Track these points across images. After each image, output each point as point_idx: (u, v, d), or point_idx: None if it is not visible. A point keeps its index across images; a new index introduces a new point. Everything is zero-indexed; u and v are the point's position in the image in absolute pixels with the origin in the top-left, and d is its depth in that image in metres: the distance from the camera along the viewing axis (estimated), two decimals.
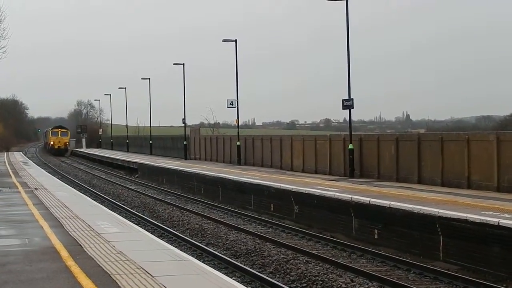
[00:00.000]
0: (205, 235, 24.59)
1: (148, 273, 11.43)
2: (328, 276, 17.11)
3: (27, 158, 74.70)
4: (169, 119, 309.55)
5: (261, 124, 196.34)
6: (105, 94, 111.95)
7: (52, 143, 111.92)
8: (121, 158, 70.45)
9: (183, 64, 64.14)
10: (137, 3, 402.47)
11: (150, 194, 40.55)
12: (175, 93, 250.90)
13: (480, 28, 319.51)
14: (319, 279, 16.92)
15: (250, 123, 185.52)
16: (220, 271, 14.25)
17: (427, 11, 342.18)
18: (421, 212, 20.03)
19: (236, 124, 52.56)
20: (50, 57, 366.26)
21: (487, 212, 18.67)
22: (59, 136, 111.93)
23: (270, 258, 19.59)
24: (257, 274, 17.11)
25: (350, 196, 24.28)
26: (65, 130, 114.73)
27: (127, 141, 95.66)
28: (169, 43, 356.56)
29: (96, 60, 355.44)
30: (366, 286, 16.30)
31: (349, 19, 34.61)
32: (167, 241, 19.31)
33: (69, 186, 34.28)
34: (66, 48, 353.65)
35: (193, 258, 13.88)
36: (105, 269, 11.81)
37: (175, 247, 17.01)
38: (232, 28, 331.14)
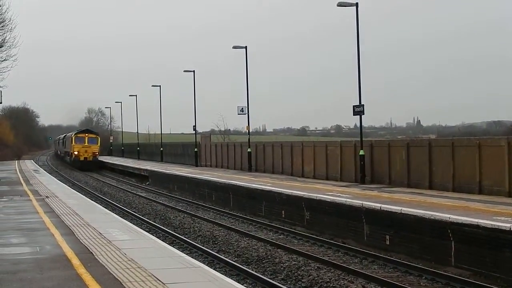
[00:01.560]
0: (216, 242, 24.58)
1: (159, 281, 11.43)
2: (339, 283, 17.08)
3: (38, 166, 74.92)
4: (180, 126, 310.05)
5: (272, 130, 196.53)
6: (115, 102, 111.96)
7: (76, 153, 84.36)
8: (132, 165, 70.55)
9: (194, 71, 64.29)
10: (143, 6, 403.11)
11: (161, 201, 40.58)
12: (186, 100, 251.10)
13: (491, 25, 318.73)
14: (331, 285, 16.89)
15: (261, 130, 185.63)
16: (231, 278, 14.25)
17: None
18: (432, 217, 19.97)
19: (247, 131, 52.60)
20: (61, 64, 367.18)
21: (498, 218, 18.60)
22: (86, 144, 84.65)
23: (282, 264, 19.56)
24: (268, 281, 17.08)
25: (361, 202, 24.23)
26: (94, 136, 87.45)
27: (138, 148, 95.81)
28: (179, 49, 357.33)
29: (107, 66, 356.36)
30: None
31: (359, 26, 34.61)
32: (178, 248, 19.33)
33: (80, 194, 34.35)
34: (78, 54, 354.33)
35: (204, 265, 13.86)
36: (116, 276, 11.81)
37: (186, 254, 17.02)
38: (242, 29, 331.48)
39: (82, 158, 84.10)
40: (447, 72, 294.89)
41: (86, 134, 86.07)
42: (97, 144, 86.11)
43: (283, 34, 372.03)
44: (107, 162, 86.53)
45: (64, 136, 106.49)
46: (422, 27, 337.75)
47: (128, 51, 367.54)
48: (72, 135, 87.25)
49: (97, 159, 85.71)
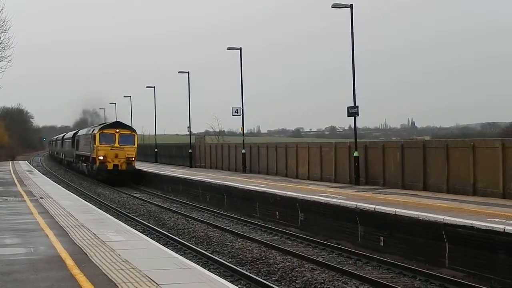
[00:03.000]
0: (210, 243, 24.56)
1: (154, 281, 11.43)
2: (333, 284, 17.08)
3: (32, 167, 74.78)
4: (174, 127, 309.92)
5: (266, 131, 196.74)
6: (110, 103, 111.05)
7: (101, 158, 56.67)
8: None
9: (188, 72, 64.17)
10: (141, 8, 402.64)
11: (155, 202, 40.54)
12: (181, 100, 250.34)
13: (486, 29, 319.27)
14: (325, 286, 16.90)
15: (256, 131, 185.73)
16: (225, 279, 14.25)
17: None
18: (426, 219, 19.99)
19: (242, 132, 52.60)
20: (57, 65, 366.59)
21: (492, 219, 18.63)
22: (117, 145, 57.00)
23: (276, 265, 19.56)
24: (262, 282, 17.08)
25: (356, 203, 24.25)
26: (129, 132, 58.78)
27: None
28: (177, 50, 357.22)
29: (103, 67, 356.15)
30: None
31: (353, 28, 34.62)
32: (172, 249, 19.31)
33: (74, 195, 34.30)
34: (74, 55, 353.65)
35: (199, 266, 13.86)
36: (110, 277, 11.80)
37: (181, 255, 17.01)
38: (239, 30, 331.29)
39: (110, 167, 56.37)
40: (442, 74, 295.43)
41: (117, 130, 57.69)
42: (134, 144, 57.76)
43: (280, 37, 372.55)
44: None
45: (75, 134, 78.19)
46: (419, 30, 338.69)
47: (124, 53, 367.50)
48: (95, 131, 58.83)
49: (133, 168, 57.71)
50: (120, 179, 56.27)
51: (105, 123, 66.66)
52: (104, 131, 57.73)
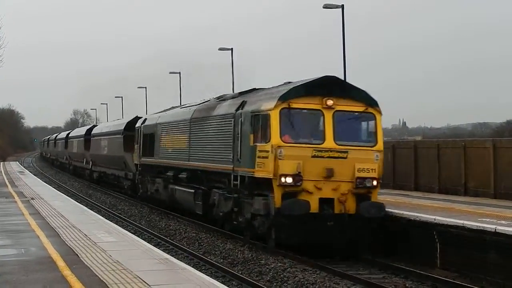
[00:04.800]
0: (202, 244, 24.50)
1: (145, 282, 11.41)
2: (325, 284, 17.06)
3: (23, 168, 74.58)
4: None
5: None
6: (101, 103, 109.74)
7: (289, 180, 19.20)
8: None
9: (179, 72, 63.73)
10: (135, 5, 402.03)
11: (146, 203, 40.41)
12: (172, 101, 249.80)
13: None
14: (317, 287, 16.88)
15: None
16: (217, 280, 14.23)
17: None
18: (417, 219, 20.00)
19: None
20: (48, 66, 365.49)
21: (484, 219, 18.67)
22: (332, 144, 19.69)
23: (267, 266, 19.52)
24: (254, 283, 17.07)
25: None
26: (361, 106, 20.52)
27: None
28: (168, 46, 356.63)
29: (97, 67, 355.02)
30: None
31: (345, 28, 34.64)
32: (164, 250, 19.27)
33: (65, 196, 34.23)
34: (66, 56, 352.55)
35: (190, 267, 13.85)
36: (101, 278, 11.78)
37: (172, 256, 16.99)
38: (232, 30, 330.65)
39: (314, 205, 19.49)
40: (434, 75, 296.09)
41: (329, 102, 19.93)
42: (375, 142, 20.60)
43: (279, 37, 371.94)
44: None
45: (132, 121, 42.64)
46: (415, 31, 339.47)
47: (119, 53, 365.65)
48: (264, 104, 20.43)
49: (377, 209, 20.32)
50: (340, 239, 20.38)
51: (309, 81, 21.01)
52: (293, 103, 20.15)
